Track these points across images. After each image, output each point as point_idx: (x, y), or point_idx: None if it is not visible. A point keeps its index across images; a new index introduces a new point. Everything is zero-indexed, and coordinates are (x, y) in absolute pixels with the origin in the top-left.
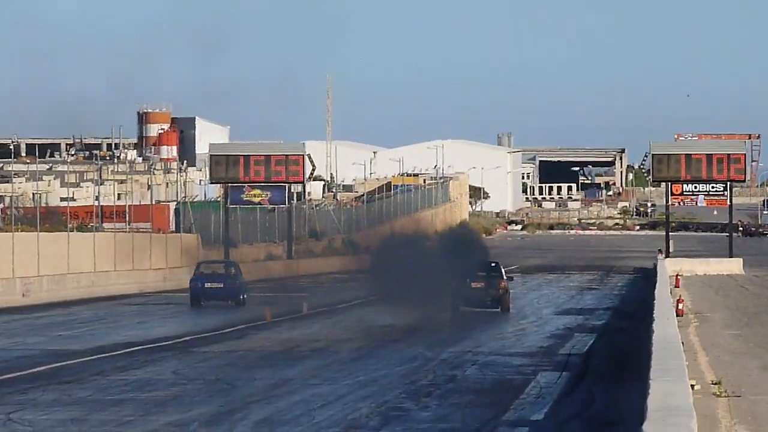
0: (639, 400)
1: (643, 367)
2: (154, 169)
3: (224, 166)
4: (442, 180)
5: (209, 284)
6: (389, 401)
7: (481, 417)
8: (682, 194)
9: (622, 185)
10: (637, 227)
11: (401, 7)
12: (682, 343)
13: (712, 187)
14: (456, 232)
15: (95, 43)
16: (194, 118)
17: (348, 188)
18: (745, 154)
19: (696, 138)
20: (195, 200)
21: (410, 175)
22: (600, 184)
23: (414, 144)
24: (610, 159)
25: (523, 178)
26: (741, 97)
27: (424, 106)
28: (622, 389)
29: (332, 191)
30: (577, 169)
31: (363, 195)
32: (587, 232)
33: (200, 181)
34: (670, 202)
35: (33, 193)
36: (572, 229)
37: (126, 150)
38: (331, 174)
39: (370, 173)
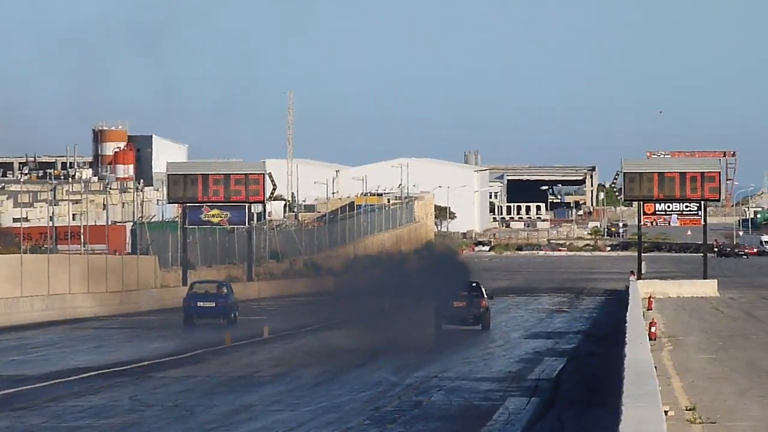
0: (611, 426)
1: (615, 393)
2: (110, 188)
3: (182, 186)
4: (406, 199)
5: (202, 303)
6: (353, 428)
7: None
8: (654, 214)
9: (592, 204)
10: (609, 248)
11: (365, 22)
12: (656, 367)
13: (686, 207)
14: (439, 253)
15: (43, 54)
16: (151, 136)
17: (310, 208)
18: (719, 173)
19: (669, 156)
20: (152, 220)
21: (374, 195)
22: (570, 203)
23: (378, 162)
24: (580, 177)
25: (490, 197)
26: (715, 115)
27: (389, 123)
28: (593, 415)
29: (293, 211)
30: (546, 188)
31: (325, 215)
32: (557, 253)
33: (158, 200)
34: (642, 222)
35: None
36: (541, 249)
37: (81, 169)
38: (293, 193)
39: (333, 192)
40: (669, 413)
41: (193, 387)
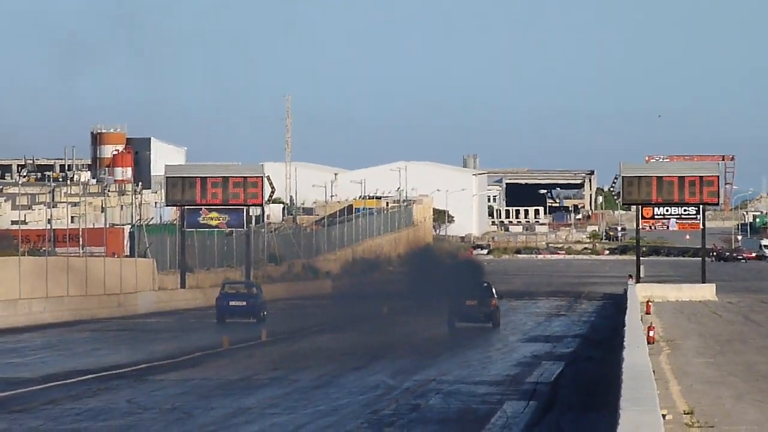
0: (608, 430)
1: (613, 397)
2: (109, 191)
3: (180, 189)
4: (405, 203)
5: (233, 302)
6: (351, 431)
7: None
8: (653, 218)
9: (591, 208)
10: (607, 251)
11: (365, 26)
12: (654, 371)
13: (684, 211)
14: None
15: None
16: (149, 139)
17: (308, 211)
18: (718, 177)
19: (668, 160)
20: (150, 223)
21: (372, 198)
22: (568, 207)
23: (376, 166)
24: (579, 181)
25: (489, 201)
26: (714, 119)
27: (388, 127)
28: (591, 419)
29: (292, 214)
30: (545, 191)
31: (323, 218)
32: (555, 257)
33: (156, 203)
34: (640, 226)
35: None
36: (540, 253)
37: (79, 171)
38: (291, 196)
39: (331, 196)
40: (667, 417)
41: (191, 390)
